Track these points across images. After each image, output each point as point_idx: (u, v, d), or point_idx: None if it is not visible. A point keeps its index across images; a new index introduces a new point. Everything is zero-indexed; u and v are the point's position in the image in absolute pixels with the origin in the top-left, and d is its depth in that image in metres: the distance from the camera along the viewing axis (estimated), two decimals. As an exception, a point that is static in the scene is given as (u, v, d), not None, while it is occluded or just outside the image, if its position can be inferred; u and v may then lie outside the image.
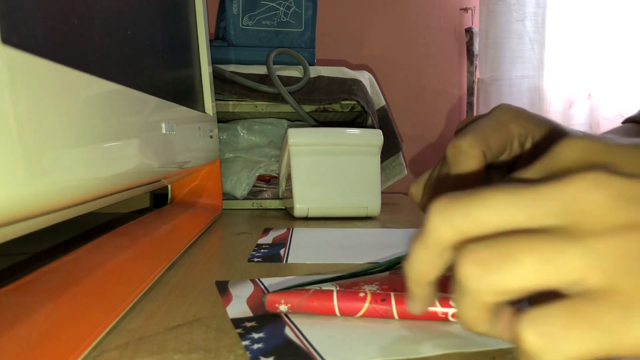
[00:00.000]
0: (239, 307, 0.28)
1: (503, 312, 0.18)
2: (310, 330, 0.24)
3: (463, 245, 0.17)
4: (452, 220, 0.18)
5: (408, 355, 0.21)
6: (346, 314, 0.25)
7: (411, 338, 0.23)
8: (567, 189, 0.16)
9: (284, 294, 0.26)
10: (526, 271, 0.16)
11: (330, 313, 0.25)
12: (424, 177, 0.35)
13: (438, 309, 0.24)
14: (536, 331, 0.15)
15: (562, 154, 0.19)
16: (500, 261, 0.16)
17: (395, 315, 0.25)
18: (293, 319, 0.25)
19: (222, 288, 0.31)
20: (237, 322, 0.25)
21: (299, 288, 0.26)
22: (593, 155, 0.18)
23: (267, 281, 0.33)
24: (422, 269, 0.19)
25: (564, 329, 0.15)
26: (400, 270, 0.30)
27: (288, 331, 0.24)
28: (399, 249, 0.44)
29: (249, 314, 0.26)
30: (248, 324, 0.25)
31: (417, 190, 0.35)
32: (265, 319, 0.25)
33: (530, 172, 0.20)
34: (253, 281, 0.33)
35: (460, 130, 0.33)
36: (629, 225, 0.15)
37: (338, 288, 0.25)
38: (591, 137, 0.19)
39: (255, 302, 0.28)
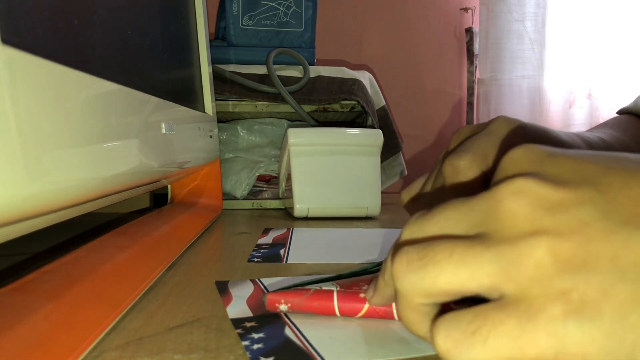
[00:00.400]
0: (239, 307, 0.28)
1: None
2: (311, 331, 0.24)
3: (397, 246, 0.19)
4: (410, 230, 0.19)
5: (408, 355, 0.21)
6: (346, 314, 0.25)
7: (411, 337, 0.23)
8: (490, 198, 0.17)
9: (283, 294, 0.26)
10: (444, 274, 0.16)
11: (331, 313, 0.25)
12: (416, 185, 0.35)
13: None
14: (446, 335, 0.16)
15: (505, 164, 0.19)
16: (422, 262, 0.17)
17: (396, 316, 0.25)
18: (293, 319, 0.25)
19: (222, 288, 0.31)
20: (237, 322, 0.25)
21: (299, 288, 0.26)
22: (528, 163, 0.18)
23: (267, 281, 0.33)
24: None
25: (471, 334, 0.15)
26: None
27: (288, 331, 0.24)
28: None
29: (249, 314, 0.26)
30: (248, 324, 0.25)
31: (407, 197, 0.35)
32: (265, 319, 0.25)
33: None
34: (253, 281, 0.33)
35: (455, 141, 0.32)
36: (537, 231, 0.15)
37: (338, 288, 0.25)
38: (534, 147, 0.18)
39: (255, 302, 0.28)
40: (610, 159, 0.16)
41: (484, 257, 0.16)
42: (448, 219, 0.18)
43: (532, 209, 0.16)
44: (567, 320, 0.14)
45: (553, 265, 0.15)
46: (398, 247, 0.19)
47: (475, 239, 0.17)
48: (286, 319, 0.25)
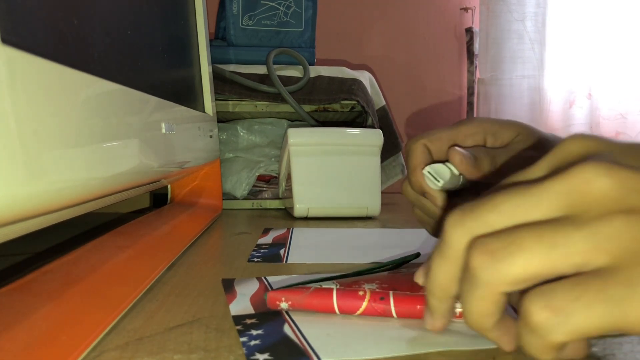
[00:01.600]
0: (241, 304, 0.28)
1: (504, 318, 0.19)
2: (309, 328, 0.24)
3: (474, 239, 0.18)
4: (466, 227, 0.19)
5: (405, 353, 0.21)
6: (345, 312, 0.25)
7: (409, 336, 0.23)
8: (570, 180, 0.17)
9: (285, 292, 0.26)
10: (534, 258, 0.17)
11: (330, 311, 0.25)
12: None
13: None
14: (544, 305, 0.16)
15: (566, 150, 0.19)
16: (509, 250, 0.17)
17: (394, 314, 0.25)
18: (293, 317, 0.25)
19: (228, 285, 0.32)
20: (238, 319, 0.25)
21: (301, 286, 0.26)
22: (595, 150, 0.19)
23: (273, 279, 0.33)
24: (445, 282, 0.20)
25: (572, 302, 0.16)
26: (404, 270, 0.30)
27: (287, 328, 0.24)
28: (399, 249, 0.44)
29: (251, 311, 0.26)
30: (248, 321, 0.25)
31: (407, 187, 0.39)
32: (266, 317, 0.25)
33: (535, 170, 0.20)
34: (259, 279, 0.33)
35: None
36: (630, 210, 0.16)
37: (339, 286, 0.26)
38: (593, 136, 0.19)
39: (258, 299, 0.28)
40: None
41: (575, 236, 0.16)
42: (516, 206, 0.18)
43: (619, 190, 0.16)
44: None
45: None
46: (444, 248, 0.19)
47: (561, 220, 0.17)
48: (287, 317, 0.25)
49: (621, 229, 0.16)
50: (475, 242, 0.18)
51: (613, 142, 0.20)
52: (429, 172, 0.34)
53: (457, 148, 0.34)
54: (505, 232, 0.18)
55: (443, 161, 0.35)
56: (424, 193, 0.36)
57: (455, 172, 0.34)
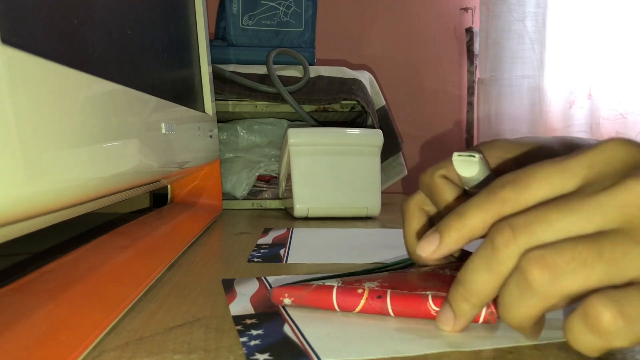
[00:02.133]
0: (241, 304, 0.28)
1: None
2: (309, 328, 0.24)
3: (528, 251, 0.18)
4: (519, 245, 0.19)
5: (405, 354, 0.21)
6: (344, 309, 0.25)
7: (409, 337, 0.23)
8: (626, 194, 0.17)
9: (288, 288, 0.26)
10: (595, 274, 0.17)
11: (330, 308, 0.25)
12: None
13: (432, 308, 0.24)
14: (617, 310, 0.16)
15: (608, 153, 0.19)
16: (571, 266, 0.17)
17: (391, 312, 0.25)
18: (293, 316, 0.25)
19: (228, 286, 0.32)
20: (238, 320, 0.25)
21: (304, 283, 0.27)
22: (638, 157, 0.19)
23: (273, 279, 0.33)
24: (486, 291, 0.20)
25: None
26: (406, 269, 0.30)
27: (287, 328, 0.24)
28: (399, 248, 0.44)
29: (251, 311, 0.26)
30: (248, 321, 0.25)
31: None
32: (266, 317, 0.25)
33: (572, 164, 0.20)
34: (259, 279, 0.33)
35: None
36: None
37: (340, 284, 0.26)
38: (633, 140, 0.19)
39: (258, 299, 0.28)
40: None
41: (634, 251, 0.17)
42: (571, 223, 0.18)
43: None
44: None
45: None
46: (494, 263, 0.19)
47: (618, 235, 0.17)
48: (287, 317, 0.25)
49: None
50: (533, 254, 0.18)
51: None
52: (460, 155, 0.30)
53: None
54: (564, 246, 0.18)
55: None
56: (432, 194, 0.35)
57: (487, 164, 0.30)
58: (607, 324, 0.17)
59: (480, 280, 0.20)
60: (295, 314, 0.26)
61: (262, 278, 0.33)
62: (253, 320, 0.25)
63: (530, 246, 0.19)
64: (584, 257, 0.17)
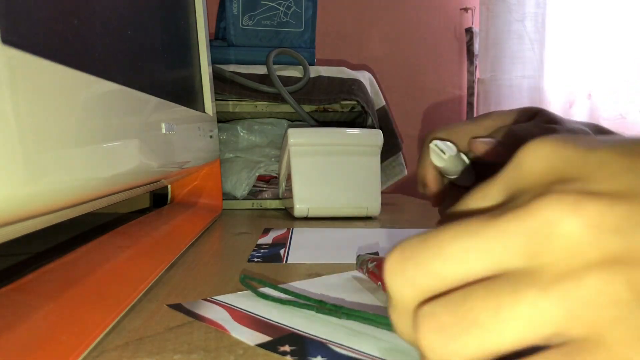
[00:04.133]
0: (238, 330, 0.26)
1: None
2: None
3: (420, 307, 0.15)
4: (407, 277, 0.15)
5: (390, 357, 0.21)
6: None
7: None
8: (529, 222, 0.13)
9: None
10: (491, 336, 0.13)
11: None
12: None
13: None
14: (438, 328, 0.14)
15: (525, 166, 0.15)
16: (461, 326, 0.13)
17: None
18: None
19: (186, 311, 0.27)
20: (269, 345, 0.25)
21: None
22: (562, 166, 0.14)
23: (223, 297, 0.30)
24: (405, 332, 0.16)
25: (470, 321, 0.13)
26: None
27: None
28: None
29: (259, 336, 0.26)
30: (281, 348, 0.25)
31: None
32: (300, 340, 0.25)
33: (492, 190, 0.16)
34: (211, 301, 0.29)
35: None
36: (609, 260, 0.12)
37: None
38: (560, 140, 0.15)
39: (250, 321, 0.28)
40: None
41: (543, 302, 0.13)
42: (464, 250, 0.14)
43: (592, 233, 0.13)
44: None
45: (636, 301, 0.12)
46: (392, 302, 0.16)
47: (522, 279, 0.13)
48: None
49: (599, 288, 0.12)
50: (422, 314, 0.14)
51: (582, 146, 0.14)
52: (435, 145, 0.35)
53: (478, 139, 0.35)
54: (456, 299, 0.14)
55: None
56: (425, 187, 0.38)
57: (464, 158, 0.35)
58: (421, 334, 0.14)
59: (394, 322, 0.16)
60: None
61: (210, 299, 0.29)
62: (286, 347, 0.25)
63: (423, 281, 0.15)
64: (476, 314, 0.13)
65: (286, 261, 0.40)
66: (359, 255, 0.35)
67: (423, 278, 0.15)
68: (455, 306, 0.14)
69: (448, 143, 0.35)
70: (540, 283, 0.13)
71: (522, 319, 0.13)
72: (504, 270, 0.14)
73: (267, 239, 0.49)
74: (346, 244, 0.47)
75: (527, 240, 0.13)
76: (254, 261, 0.40)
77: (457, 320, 0.14)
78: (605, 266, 0.12)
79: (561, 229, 0.13)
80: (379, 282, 0.31)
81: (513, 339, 0.13)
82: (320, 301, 0.26)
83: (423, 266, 0.15)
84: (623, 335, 0.12)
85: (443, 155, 0.34)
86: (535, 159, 0.15)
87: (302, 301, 0.27)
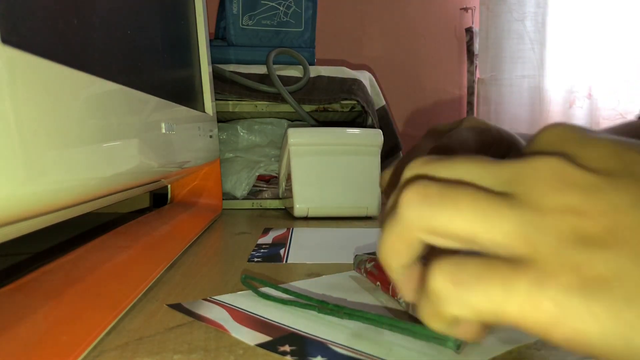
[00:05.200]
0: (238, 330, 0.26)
1: (413, 270, 0.18)
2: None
3: (412, 179, 0.18)
4: (419, 169, 0.18)
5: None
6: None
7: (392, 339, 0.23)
8: (526, 164, 0.16)
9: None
10: (461, 218, 0.16)
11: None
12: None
13: None
14: (448, 276, 0.16)
15: (541, 139, 0.18)
16: (441, 199, 0.16)
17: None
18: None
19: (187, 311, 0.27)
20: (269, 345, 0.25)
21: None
22: (567, 143, 0.18)
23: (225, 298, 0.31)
24: (395, 265, 0.19)
25: (475, 279, 0.15)
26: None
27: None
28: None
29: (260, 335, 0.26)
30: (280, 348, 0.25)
31: (387, 177, 0.35)
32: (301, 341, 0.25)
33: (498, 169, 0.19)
34: (211, 301, 0.29)
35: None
36: (567, 208, 0.15)
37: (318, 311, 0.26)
38: (573, 127, 0.18)
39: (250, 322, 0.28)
40: None
41: (507, 215, 0.16)
42: (468, 170, 0.17)
43: (567, 187, 0.16)
44: (574, 292, 0.14)
45: (574, 240, 0.15)
46: (404, 184, 0.18)
47: (500, 195, 0.16)
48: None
49: (551, 224, 0.15)
50: (413, 182, 0.17)
51: (588, 135, 0.18)
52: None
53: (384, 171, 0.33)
54: (446, 183, 0.17)
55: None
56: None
57: None
58: (435, 286, 0.16)
59: (385, 242, 0.19)
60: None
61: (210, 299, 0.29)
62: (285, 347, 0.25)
63: (425, 171, 0.18)
64: (458, 197, 0.16)
65: (286, 261, 0.40)
66: (356, 256, 0.35)
67: (436, 218, 0.17)
68: (444, 186, 0.17)
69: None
70: (512, 203, 0.16)
71: (487, 219, 0.16)
72: (488, 187, 0.17)
73: (267, 239, 0.49)
74: (346, 244, 0.47)
75: (514, 175, 0.16)
76: (254, 261, 0.40)
77: (441, 193, 0.17)
78: (562, 211, 0.15)
79: (543, 174, 0.16)
80: (378, 282, 0.30)
81: (472, 230, 0.16)
82: (322, 301, 0.26)
83: (422, 165, 0.18)
84: (555, 261, 0.15)
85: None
86: (548, 135, 0.18)
87: (303, 301, 0.27)
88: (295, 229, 0.55)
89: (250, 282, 0.31)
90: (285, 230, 0.55)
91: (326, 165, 0.64)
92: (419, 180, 0.17)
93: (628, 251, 0.14)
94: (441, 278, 0.16)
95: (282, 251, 0.44)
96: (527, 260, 0.15)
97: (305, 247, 0.46)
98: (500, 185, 0.17)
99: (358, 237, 0.51)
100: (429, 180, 0.17)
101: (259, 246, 0.46)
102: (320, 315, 0.26)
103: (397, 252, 0.18)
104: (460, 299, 0.15)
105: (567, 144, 0.17)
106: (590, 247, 0.15)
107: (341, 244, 0.47)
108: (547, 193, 0.16)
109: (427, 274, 0.16)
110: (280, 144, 0.81)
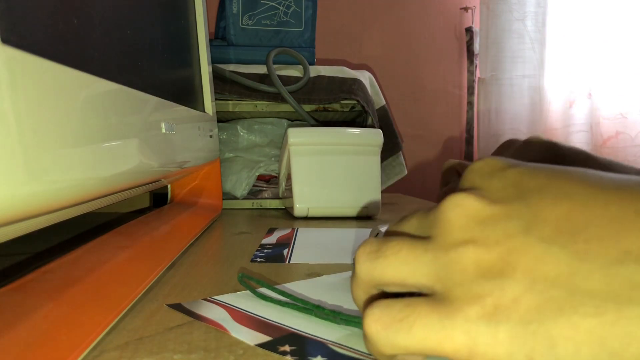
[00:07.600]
0: (238, 330, 0.26)
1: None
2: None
3: (369, 302, 0.19)
4: (370, 270, 0.20)
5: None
6: None
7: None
8: (439, 207, 0.18)
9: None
10: (390, 268, 0.18)
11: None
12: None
13: None
14: (377, 319, 0.17)
15: (465, 176, 0.20)
16: (377, 255, 0.19)
17: None
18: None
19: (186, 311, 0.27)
20: (269, 345, 0.25)
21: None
22: (480, 177, 0.19)
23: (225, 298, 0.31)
24: (358, 300, 0.21)
25: (399, 321, 0.17)
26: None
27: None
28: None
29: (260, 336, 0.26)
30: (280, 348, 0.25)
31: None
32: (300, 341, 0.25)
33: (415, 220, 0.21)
34: (211, 301, 0.29)
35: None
36: (467, 241, 0.17)
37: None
38: (491, 161, 0.19)
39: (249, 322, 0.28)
40: (557, 175, 0.17)
41: (423, 258, 0.18)
42: (410, 223, 0.20)
43: (467, 221, 0.17)
44: (479, 322, 0.16)
45: (475, 272, 0.16)
46: (360, 279, 0.20)
47: (420, 241, 0.18)
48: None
49: (455, 258, 0.17)
50: (364, 241, 0.20)
51: (517, 166, 0.19)
52: None
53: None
54: (385, 238, 0.19)
55: None
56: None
57: None
58: (367, 330, 0.18)
59: (353, 292, 0.21)
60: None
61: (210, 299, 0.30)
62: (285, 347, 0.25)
63: (373, 273, 0.19)
64: (387, 251, 0.19)
65: (289, 261, 0.40)
66: (355, 257, 0.35)
67: (375, 272, 0.19)
68: (380, 242, 0.19)
69: None
70: (426, 246, 0.18)
71: (410, 265, 0.18)
72: (417, 236, 0.19)
73: (272, 239, 0.49)
74: (349, 245, 0.47)
75: (431, 221, 0.18)
76: (256, 261, 0.40)
77: (376, 250, 0.19)
78: (463, 244, 0.17)
79: (446, 215, 0.18)
80: None
81: (401, 276, 0.18)
82: (318, 306, 0.26)
83: (376, 264, 0.19)
84: (462, 295, 0.16)
85: None
86: (468, 172, 0.20)
87: (299, 304, 0.27)
88: (300, 229, 0.55)
89: (246, 281, 0.31)
90: (289, 230, 0.55)
91: (326, 165, 0.64)
92: (368, 240, 0.20)
93: (520, 276, 0.16)
94: (372, 323, 0.17)
95: (285, 251, 0.44)
96: (441, 296, 0.17)
97: (309, 247, 0.46)
98: (425, 230, 0.19)
99: (361, 238, 0.51)
100: (374, 239, 0.20)
101: (263, 246, 0.46)
102: None
103: (360, 299, 0.20)
104: (389, 341, 0.17)
105: (480, 178, 0.19)
106: (489, 277, 0.16)
107: (344, 245, 0.47)
108: (452, 231, 0.17)
109: (363, 318, 0.18)
110: (280, 143, 0.81)
